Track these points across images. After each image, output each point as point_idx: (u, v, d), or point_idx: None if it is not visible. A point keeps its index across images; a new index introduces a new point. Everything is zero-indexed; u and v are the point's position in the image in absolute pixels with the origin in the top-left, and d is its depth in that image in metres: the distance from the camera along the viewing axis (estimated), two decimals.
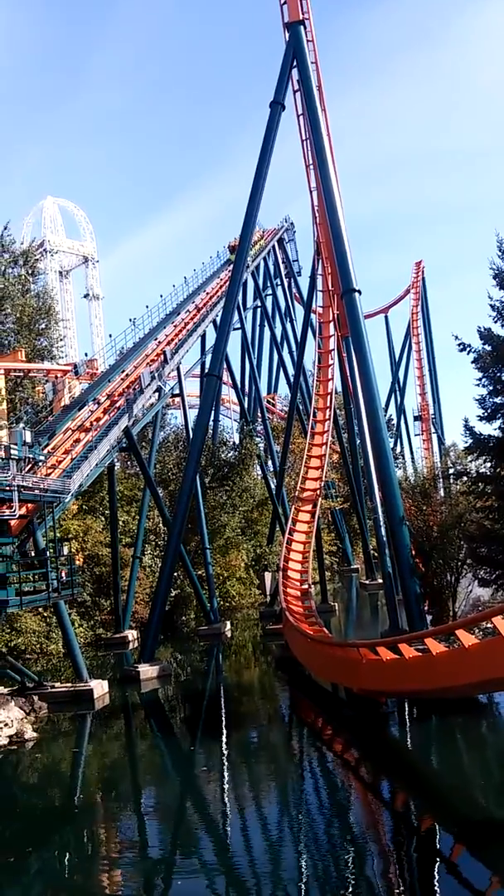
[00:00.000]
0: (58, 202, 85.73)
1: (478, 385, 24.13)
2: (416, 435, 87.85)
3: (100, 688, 23.56)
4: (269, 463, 51.93)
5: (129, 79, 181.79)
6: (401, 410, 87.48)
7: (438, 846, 11.60)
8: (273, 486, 46.97)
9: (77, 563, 33.37)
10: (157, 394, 36.05)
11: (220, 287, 49.19)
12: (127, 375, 36.91)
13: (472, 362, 24.03)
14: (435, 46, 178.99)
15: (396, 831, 12.62)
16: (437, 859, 11.08)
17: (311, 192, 41.15)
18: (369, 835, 12.26)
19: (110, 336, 44.96)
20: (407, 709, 19.68)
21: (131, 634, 34.42)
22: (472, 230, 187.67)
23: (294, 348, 58.70)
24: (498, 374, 23.69)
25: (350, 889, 10.32)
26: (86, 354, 42.95)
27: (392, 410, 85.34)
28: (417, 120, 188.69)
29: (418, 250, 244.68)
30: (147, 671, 25.65)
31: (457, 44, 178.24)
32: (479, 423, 24.33)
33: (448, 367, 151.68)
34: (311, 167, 38.69)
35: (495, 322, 23.85)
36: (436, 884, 10.18)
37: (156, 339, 41.82)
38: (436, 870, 10.69)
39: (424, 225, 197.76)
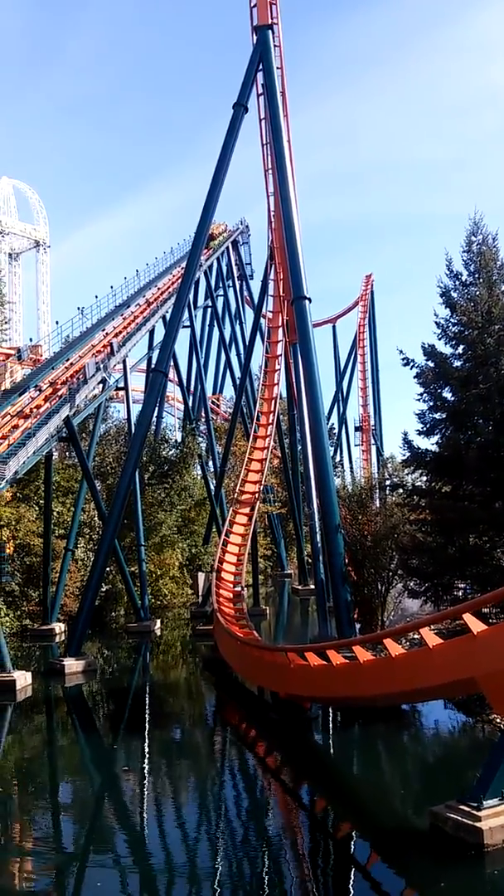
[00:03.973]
0: (13, 183, 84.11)
1: (419, 400, 24.35)
2: (356, 445, 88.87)
3: (23, 679, 23.14)
4: (210, 463, 51.85)
5: (100, 68, 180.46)
6: (343, 420, 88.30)
7: (354, 853, 11.70)
8: (212, 487, 46.95)
9: (7, 551, 32.72)
10: (101, 385, 35.62)
11: (172, 283, 48.95)
12: (71, 364, 36.40)
13: (415, 377, 24.23)
14: (403, 61, 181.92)
15: (313, 836, 12.68)
16: (352, 866, 11.17)
17: (268, 196, 41.40)
18: (286, 839, 12.31)
19: (57, 323, 44.46)
20: (331, 715, 19.87)
21: (59, 627, 33.94)
22: (425, 244, 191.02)
23: (242, 351, 58.70)
24: (439, 391, 23.99)
25: (264, 892, 10.33)
26: (31, 340, 42.37)
27: (334, 419, 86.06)
28: (381, 131, 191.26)
29: (370, 261, 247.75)
30: (72, 665, 25.29)
31: (425, 60, 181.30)
32: (418, 438, 24.58)
33: (391, 379, 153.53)
34: (270, 172, 38.86)
35: (439, 339, 24.10)
36: (350, 889, 10.27)
37: (103, 330, 41.37)
38: (351, 876, 10.77)
39: (378, 236, 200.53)
